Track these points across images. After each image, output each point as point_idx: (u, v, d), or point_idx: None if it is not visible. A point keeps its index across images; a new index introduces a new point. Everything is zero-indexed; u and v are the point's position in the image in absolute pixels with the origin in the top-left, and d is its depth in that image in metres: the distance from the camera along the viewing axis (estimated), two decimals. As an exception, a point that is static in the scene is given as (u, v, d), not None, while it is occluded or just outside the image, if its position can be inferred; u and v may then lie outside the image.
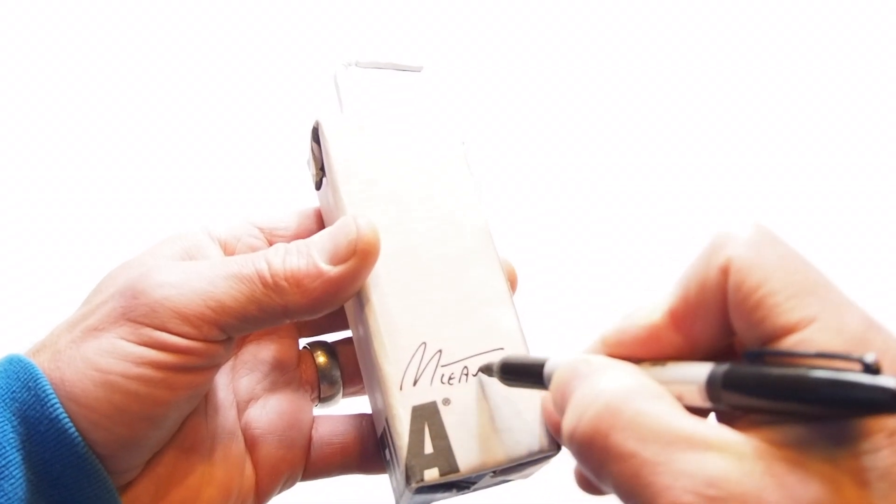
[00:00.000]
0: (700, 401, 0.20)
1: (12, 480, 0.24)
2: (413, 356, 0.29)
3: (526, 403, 0.29)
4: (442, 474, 0.27)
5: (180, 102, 0.63)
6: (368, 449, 0.32)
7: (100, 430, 0.25)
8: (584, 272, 0.58)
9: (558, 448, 0.29)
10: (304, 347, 0.34)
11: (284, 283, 0.27)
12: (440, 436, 0.28)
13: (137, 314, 0.25)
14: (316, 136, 0.32)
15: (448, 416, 0.28)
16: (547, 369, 0.25)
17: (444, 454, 0.28)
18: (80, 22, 0.63)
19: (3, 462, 0.23)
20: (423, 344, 0.29)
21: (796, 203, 0.59)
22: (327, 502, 0.50)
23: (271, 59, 0.63)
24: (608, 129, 0.62)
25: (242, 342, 0.33)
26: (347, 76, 0.35)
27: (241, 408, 0.31)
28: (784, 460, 0.18)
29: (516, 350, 0.30)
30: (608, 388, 0.20)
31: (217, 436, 0.29)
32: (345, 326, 0.35)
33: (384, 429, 0.30)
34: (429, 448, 0.28)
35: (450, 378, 0.29)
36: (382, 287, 0.30)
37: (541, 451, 0.29)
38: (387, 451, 0.30)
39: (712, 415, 0.22)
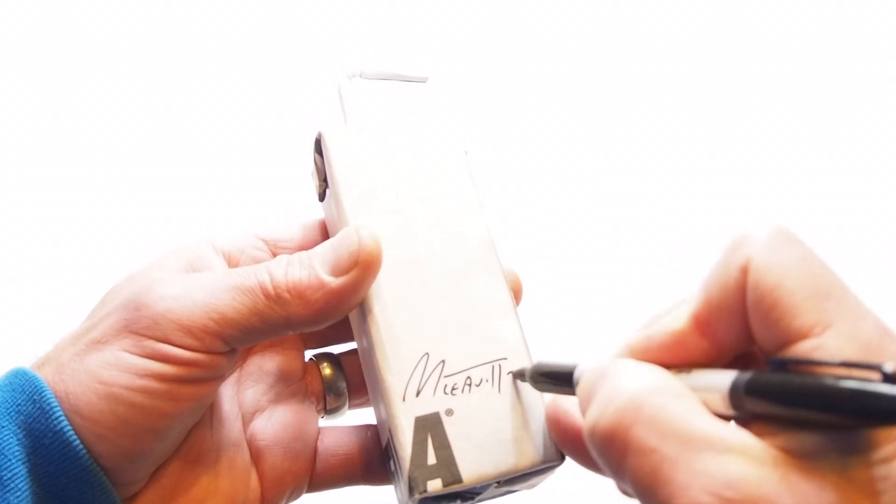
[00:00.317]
0: (723, 408, 0.20)
1: (18, 493, 0.24)
2: (416, 367, 0.29)
3: (531, 414, 0.29)
4: (445, 485, 0.27)
5: (186, 112, 0.63)
6: (374, 460, 0.32)
7: (104, 442, 0.25)
8: (586, 276, 0.58)
9: (562, 458, 0.29)
10: (311, 359, 0.34)
11: (287, 295, 0.27)
12: (443, 446, 0.28)
13: (140, 326, 0.26)
14: (319, 147, 0.32)
15: (451, 427, 0.28)
16: (577, 373, 0.25)
17: (448, 465, 0.28)
18: (86, 39, 0.64)
19: (9, 475, 0.24)
20: (425, 354, 0.29)
21: (797, 203, 0.59)
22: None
23: (277, 69, 0.63)
24: (607, 132, 0.62)
25: (248, 354, 0.33)
26: (351, 87, 0.35)
27: (247, 419, 0.31)
28: (799, 468, 0.18)
29: (519, 360, 0.30)
30: (633, 384, 0.20)
31: (222, 447, 0.29)
32: (351, 338, 0.35)
33: (388, 440, 0.29)
34: (432, 459, 0.28)
35: (453, 389, 0.29)
36: (385, 298, 0.30)
37: (545, 462, 0.29)
38: (391, 462, 0.30)
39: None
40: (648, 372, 0.21)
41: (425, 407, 0.28)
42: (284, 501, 0.31)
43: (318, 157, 0.32)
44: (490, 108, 0.62)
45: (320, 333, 0.34)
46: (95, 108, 0.62)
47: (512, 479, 0.29)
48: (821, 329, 0.19)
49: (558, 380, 0.26)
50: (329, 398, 0.34)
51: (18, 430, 0.24)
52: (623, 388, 0.20)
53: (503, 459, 0.28)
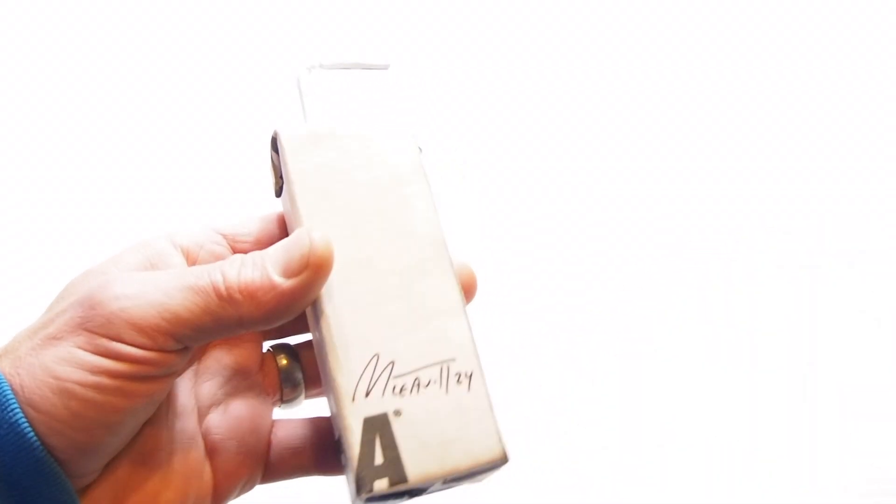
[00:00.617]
0: None
1: None
2: (366, 368, 0.29)
3: (477, 414, 0.30)
4: (391, 485, 0.28)
5: (147, 104, 0.63)
6: (327, 451, 0.33)
7: (57, 435, 0.25)
8: (560, 274, 0.59)
9: (507, 459, 0.30)
10: (268, 350, 0.35)
11: (238, 296, 0.27)
12: (391, 447, 0.29)
13: (94, 325, 0.26)
14: (275, 145, 0.32)
15: (399, 427, 0.29)
16: None
17: (394, 465, 0.28)
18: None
19: None
20: (375, 355, 0.30)
21: (794, 204, 0.59)
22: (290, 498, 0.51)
23: (236, 62, 0.62)
24: (582, 119, 0.62)
25: (206, 348, 0.33)
26: (311, 79, 0.34)
27: (202, 413, 0.32)
28: None
29: (467, 361, 0.30)
30: None
31: (176, 441, 0.30)
32: (308, 329, 0.35)
33: (339, 436, 0.30)
34: (379, 459, 0.28)
35: (401, 389, 0.29)
36: (336, 298, 0.30)
37: (489, 462, 0.29)
38: (342, 456, 0.31)
39: None
40: None
41: (374, 407, 0.29)
42: (237, 494, 0.32)
43: (274, 154, 0.32)
44: (456, 97, 0.62)
45: (278, 326, 0.34)
46: (49, 96, 0.62)
47: (457, 478, 0.30)
48: None
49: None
50: (285, 389, 0.34)
51: None
52: None
53: (449, 459, 0.29)
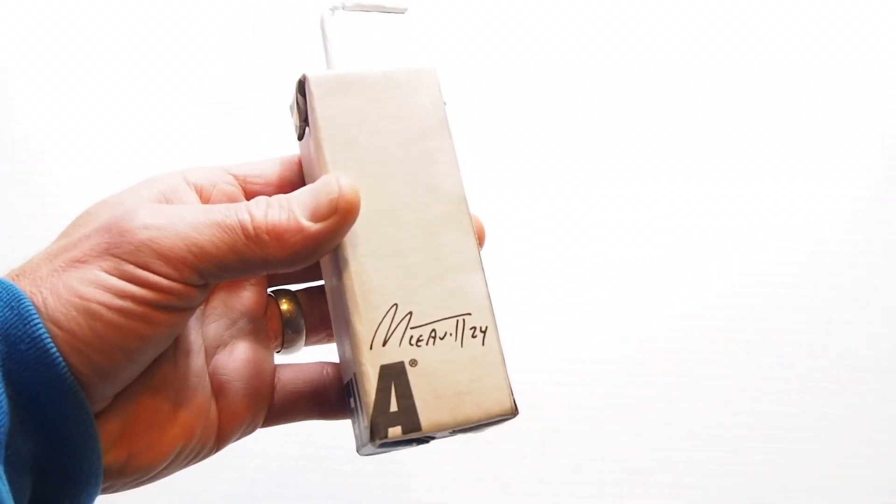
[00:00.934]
0: None
1: None
2: (384, 317, 0.30)
3: (489, 368, 0.31)
4: (405, 432, 0.29)
5: (162, 44, 0.60)
6: (330, 396, 0.33)
7: (78, 355, 0.25)
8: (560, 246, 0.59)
9: (516, 412, 0.31)
10: (269, 295, 0.35)
11: (266, 236, 0.27)
12: (405, 395, 0.29)
13: (122, 251, 0.26)
14: (302, 89, 0.32)
15: (414, 377, 0.29)
16: None
17: (408, 413, 0.29)
18: None
19: None
20: (394, 305, 0.30)
21: (792, 205, 0.60)
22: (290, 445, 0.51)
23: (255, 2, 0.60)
24: (583, 124, 0.62)
25: (213, 290, 0.33)
26: (334, 20, 0.34)
27: (210, 353, 0.32)
28: None
29: (482, 316, 0.31)
30: None
31: (185, 378, 0.30)
32: (312, 278, 0.35)
33: (351, 381, 0.31)
34: (394, 406, 0.29)
35: (418, 340, 0.30)
36: (358, 247, 0.30)
37: (499, 415, 0.30)
38: (352, 400, 0.31)
39: None
40: None
41: (391, 356, 0.29)
42: (240, 435, 0.32)
43: (300, 97, 0.32)
44: (471, 41, 0.61)
45: (285, 273, 0.34)
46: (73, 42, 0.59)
47: (466, 428, 0.30)
48: None
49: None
50: (287, 334, 0.34)
51: None
52: None
53: (461, 410, 0.30)
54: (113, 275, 0.26)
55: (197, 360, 0.31)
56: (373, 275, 0.30)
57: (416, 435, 0.29)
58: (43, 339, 0.24)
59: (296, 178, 0.34)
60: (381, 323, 0.30)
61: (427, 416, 0.29)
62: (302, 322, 0.34)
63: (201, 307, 0.32)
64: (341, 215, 0.28)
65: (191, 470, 0.31)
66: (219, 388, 0.31)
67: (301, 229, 0.28)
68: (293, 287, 0.36)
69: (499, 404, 0.30)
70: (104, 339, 0.25)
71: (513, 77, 0.62)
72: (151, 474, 0.29)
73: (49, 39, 0.61)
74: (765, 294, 0.58)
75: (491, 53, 0.62)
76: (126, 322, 0.26)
